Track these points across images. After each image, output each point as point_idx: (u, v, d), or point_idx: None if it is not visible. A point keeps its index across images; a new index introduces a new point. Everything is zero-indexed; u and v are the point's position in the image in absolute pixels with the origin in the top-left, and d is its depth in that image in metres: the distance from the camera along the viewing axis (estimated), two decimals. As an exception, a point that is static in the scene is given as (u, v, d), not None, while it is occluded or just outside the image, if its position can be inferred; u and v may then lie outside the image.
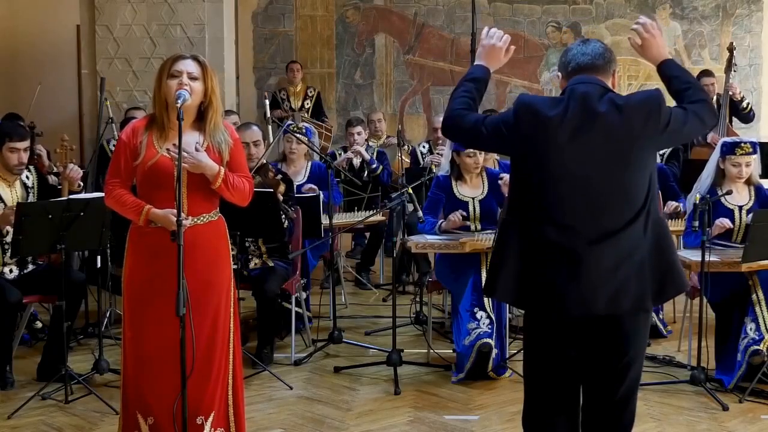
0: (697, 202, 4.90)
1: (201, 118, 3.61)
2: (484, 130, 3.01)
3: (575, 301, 2.87)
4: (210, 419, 3.61)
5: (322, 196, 6.07)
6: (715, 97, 8.39)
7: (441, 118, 7.85)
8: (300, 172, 6.51)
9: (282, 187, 5.29)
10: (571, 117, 2.90)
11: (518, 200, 3.02)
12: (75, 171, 5.02)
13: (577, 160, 2.89)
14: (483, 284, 5.00)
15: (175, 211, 3.36)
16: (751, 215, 4.99)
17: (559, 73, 3.09)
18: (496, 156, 6.16)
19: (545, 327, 2.99)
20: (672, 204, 6.17)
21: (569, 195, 2.90)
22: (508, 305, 5.08)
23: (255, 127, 5.74)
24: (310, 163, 6.63)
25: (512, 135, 2.97)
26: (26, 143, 5.10)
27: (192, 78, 3.52)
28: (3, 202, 5.04)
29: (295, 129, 6.42)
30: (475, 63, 3.18)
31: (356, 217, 6.71)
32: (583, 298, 2.87)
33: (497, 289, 3.06)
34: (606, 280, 2.87)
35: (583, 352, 2.99)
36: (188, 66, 3.54)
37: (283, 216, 5.26)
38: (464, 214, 5.32)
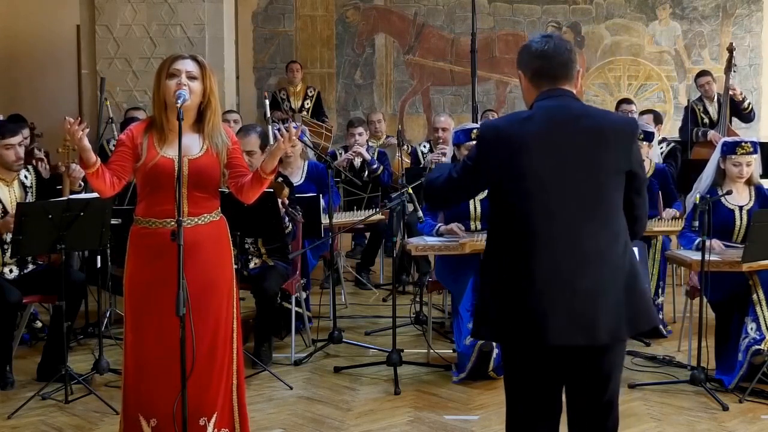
0: (698, 202, 4.90)
1: (200, 119, 3.60)
2: (455, 174, 2.96)
3: (555, 331, 2.80)
4: (213, 420, 3.60)
5: (322, 200, 6.06)
6: (715, 97, 8.41)
7: (441, 118, 7.78)
8: (296, 173, 6.46)
9: (286, 191, 5.25)
10: (538, 128, 2.83)
11: (497, 232, 2.94)
12: (77, 171, 5.02)
13: (550, 172, 2.80)
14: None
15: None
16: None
17: (521, 72, 2.98)
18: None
19: (524, 350, 2.95)
20: (670, 212, 6.19)
21: (545, 213, 2.81)
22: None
23: (253, 135, 5.28)
24: (306, 163, 6.59)
25: (480, 164, 2.88)
26: (19, 138, 5.09)
27: (191, 77, 3.51)
28: (2, 202, 5.04)
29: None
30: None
31: (356, 217, 6.72)
32: (562, 328, 2.80)
33: (481, 330, 3.01)
34: (584, 311, 2.80)
35: (563, 368, 2.95)
36: (187, 65, 3.53)
37: (288, 220, 5.23)
38: (462, 227, 5.33)
